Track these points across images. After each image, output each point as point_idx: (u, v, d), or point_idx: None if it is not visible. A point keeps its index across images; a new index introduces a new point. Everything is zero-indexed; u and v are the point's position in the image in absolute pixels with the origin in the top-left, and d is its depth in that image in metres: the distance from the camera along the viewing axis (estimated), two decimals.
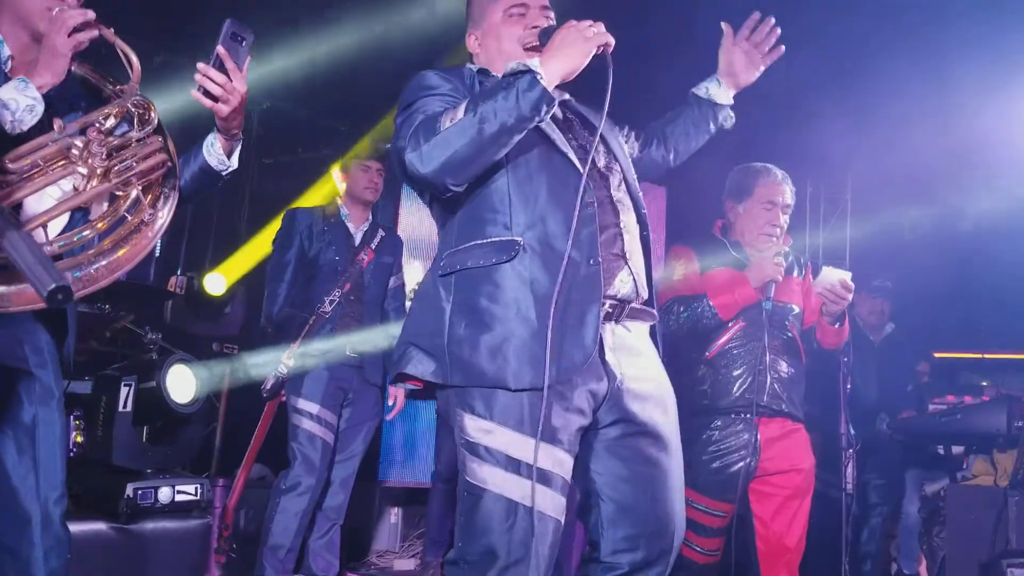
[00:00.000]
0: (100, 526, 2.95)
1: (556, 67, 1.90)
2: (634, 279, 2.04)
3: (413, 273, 5.44)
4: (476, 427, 1.88)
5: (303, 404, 3.73)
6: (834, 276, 3.17)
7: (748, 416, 3.17)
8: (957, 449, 4.91)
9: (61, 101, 2.13)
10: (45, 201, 2.01)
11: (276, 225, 4.05)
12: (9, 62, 2.12)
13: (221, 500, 3.94)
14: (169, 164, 2.13)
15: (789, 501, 3.20)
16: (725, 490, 3.18)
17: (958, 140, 4.78)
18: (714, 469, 3.17)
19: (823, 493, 4.78)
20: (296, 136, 5.91)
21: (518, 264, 1.93)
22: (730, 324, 3.20)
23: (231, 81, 2.05)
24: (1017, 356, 4.67)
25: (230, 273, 5.25)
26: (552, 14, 2.19)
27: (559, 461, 1.89)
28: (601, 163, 2.12)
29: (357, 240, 3.99)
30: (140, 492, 2.90)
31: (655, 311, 2.12)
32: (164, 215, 2.09)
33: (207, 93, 2.05)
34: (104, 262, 1.97)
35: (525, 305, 1.90)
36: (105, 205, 2.06)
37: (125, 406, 3.16)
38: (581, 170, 1.96)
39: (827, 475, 4.78)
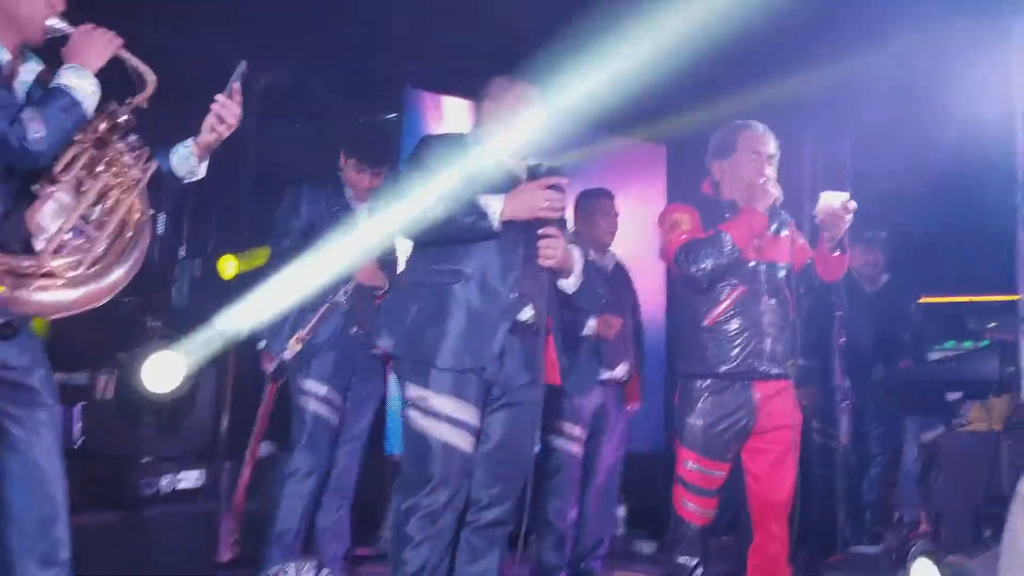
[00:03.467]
0: (105, 516, 3.01)
1: (510, 212, 2.80)
2: (536, 311, 2.89)
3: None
4: (416, 393, 2.80)
5: (310, 385, 3.73)
6: (834, 200, 3.19)
7: (747, 380, 3.21)
8: (954, 395, 4.94)
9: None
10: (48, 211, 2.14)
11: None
12: (9, 66, 2.21)
13: (229, 482, 4.00)
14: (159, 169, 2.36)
15: (782, 457, 3.25)
16: (724, 451, 3.23)
17: (951, 93, 4.78)
18: (713, 432, 3.21)
19: (823, 445, 4.85)
20: (293, 107, 5.89)
21: (463, 288, 2.81)
22: (728, 290, 3.23)
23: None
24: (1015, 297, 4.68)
25: (242, 263, 5.26)
26: None
27: (471, 414, 2.79)
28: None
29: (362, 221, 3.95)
30: (143, 481, 2.98)
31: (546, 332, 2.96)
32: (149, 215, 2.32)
33: (219, 120, 2.37)
34: (121, 267, 2.19)
35: (460, 316, 2.80)
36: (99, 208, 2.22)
37: (104, 395, 3.25)
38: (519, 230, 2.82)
39: (826, 427, 4.84)
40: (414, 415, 2.80)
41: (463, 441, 2.78)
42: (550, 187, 2.83)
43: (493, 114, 3.00)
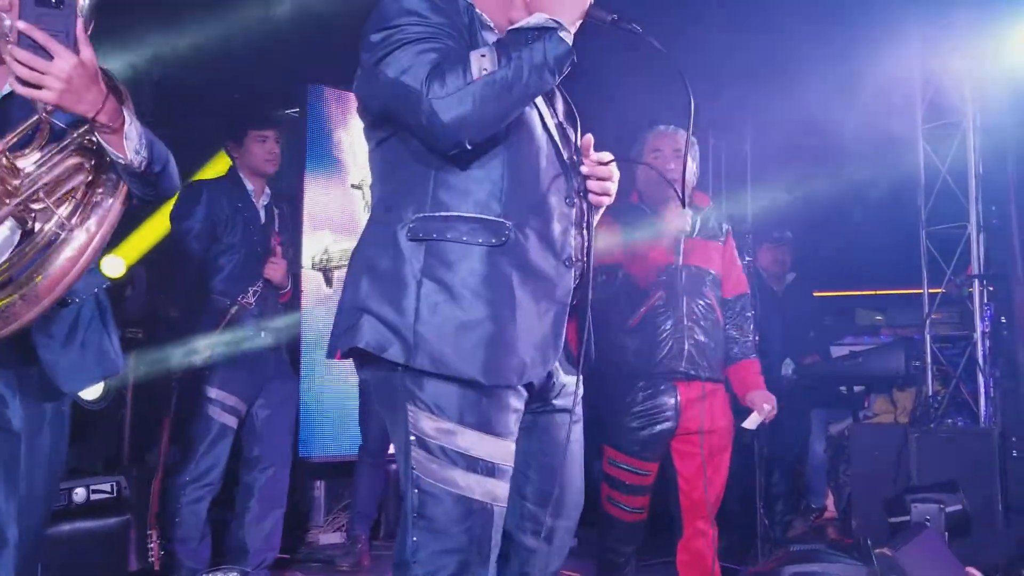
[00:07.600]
0: None
1: (568, 20, 1.70)
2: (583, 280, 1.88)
3: (318, 244, 5.33)
4: (435, 427, 1.70)
5: (217, 394, 3.63)
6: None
7: (670, 381, 3.25)
8: (859, 387, 5.13)
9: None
10: None
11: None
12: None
13: (135, 491, 3.82)
14: (86, 167, 1.86)
15: (709, 459, 3.28)
16: (650, 450, 3.26)
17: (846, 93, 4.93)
18: (639, 431, 3.24)
19: (738, 441, 4.94)
20: (189, 106, 5.68)
21: (507, 252, 1.74)
22: (651, 293, 3.26)
23: (48, 58, 1.61)
24: (908, 291, 4.90)
25: (129, 254, 5.04)
26: None
27: (511, 453, 1.76)
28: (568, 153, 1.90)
29: (262, 217, 3.85)
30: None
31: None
32: (92, 224, 1.87)
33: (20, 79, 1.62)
34: (21, 292, 1.81)
35: (507, 297, 1.72)
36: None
37: None
38: (565, 159, 1.85)
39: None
40: (426, 459, 1.70)
41: (501, 491, 1.74)
42: None
43: None
